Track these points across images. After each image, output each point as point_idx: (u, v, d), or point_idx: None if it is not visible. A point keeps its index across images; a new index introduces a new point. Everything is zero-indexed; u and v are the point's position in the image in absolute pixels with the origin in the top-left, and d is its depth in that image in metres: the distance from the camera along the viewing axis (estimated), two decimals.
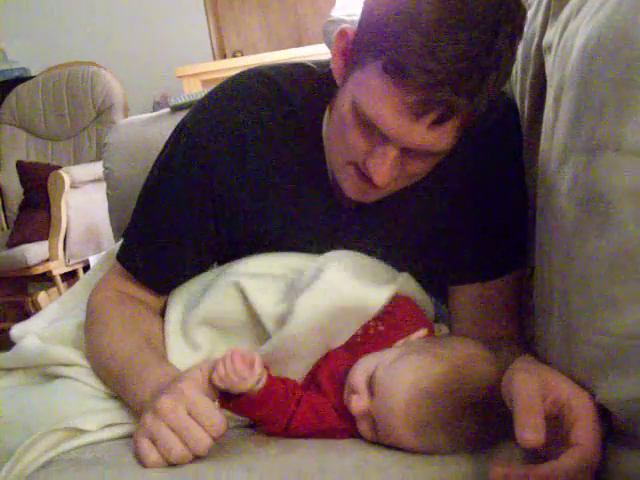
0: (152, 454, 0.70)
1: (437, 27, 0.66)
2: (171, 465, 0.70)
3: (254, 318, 0.86)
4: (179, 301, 0.93)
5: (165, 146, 0.94)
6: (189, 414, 0.70)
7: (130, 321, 0.90)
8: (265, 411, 0.75)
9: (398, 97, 0.69)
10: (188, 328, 0.89)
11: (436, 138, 0.73)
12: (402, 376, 0.73)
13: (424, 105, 0.69)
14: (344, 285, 0.83)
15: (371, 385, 0.75)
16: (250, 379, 0.72)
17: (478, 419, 0.71)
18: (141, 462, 0.71)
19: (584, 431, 0.59)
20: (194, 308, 0.90)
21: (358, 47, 0.75)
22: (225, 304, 0.88)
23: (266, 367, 0.75)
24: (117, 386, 0.85)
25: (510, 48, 0.70)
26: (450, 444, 0.72)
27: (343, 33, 0.78)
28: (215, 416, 0.71)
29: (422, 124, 0.71)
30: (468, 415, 0.71)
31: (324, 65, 0.93)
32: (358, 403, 0.75)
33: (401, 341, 0.82)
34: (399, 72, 0.68)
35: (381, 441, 0.75)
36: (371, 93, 0.72)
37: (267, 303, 0.85)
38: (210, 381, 0.73)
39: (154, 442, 0.70)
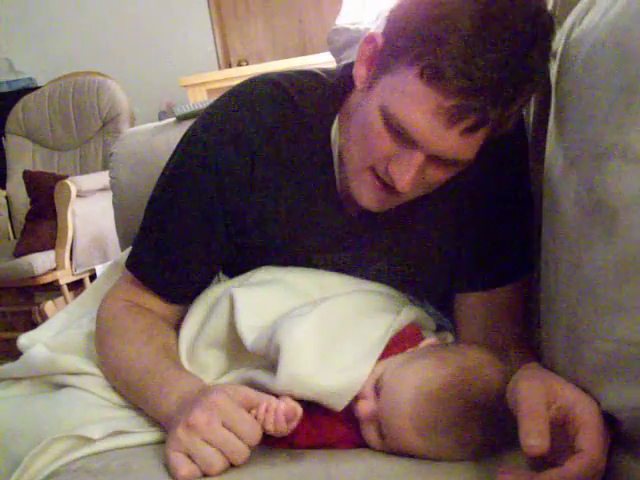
0: (184, 467, 0.69)
1: (477, 34, 0.66)
2: None
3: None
4: (189, 323, 0.91)
5: (174, 154, 0.93)
6: (223, 425, 0.70)
7: (146, 332, 0.89)
8: None
9: (435, 102, 0.69)
10: (196, 351, 0.88)
11: (465, 147, 0.73)
12: (408, 377, 0.74)
13: (460, 111, 0.69)
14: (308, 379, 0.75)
15: (378, 388, 0.76)
16: (285, 432, 0.72)
17: (484, 424, 0.71)
18: (173, 475, 0.70)
19: (589, 438, 0.59)
20: (203, 329, 0.88)
21: (390, 52, 0.74)
22: (222, 318, 0.86)
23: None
24: (137, 398, 0.85)
25: (543, 63, 0.71)
26: (456, 449, 0.72)
27: (371, 38, 0.78)
28: (250, 424, 0.71)
29: (455, 131, 0.71)
30: (474, 419, 0.71)
31: (332, 74, 0.93)
32: (364, 407, 0.75)
33: (410, 350, 0.82)
34: (437, 77, 0.68)
35: (387, 447, 0.75)
36: (405, 97, 0.71)
37: (248, 318, 0.83)
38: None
39: (190, 456, 0.70)
